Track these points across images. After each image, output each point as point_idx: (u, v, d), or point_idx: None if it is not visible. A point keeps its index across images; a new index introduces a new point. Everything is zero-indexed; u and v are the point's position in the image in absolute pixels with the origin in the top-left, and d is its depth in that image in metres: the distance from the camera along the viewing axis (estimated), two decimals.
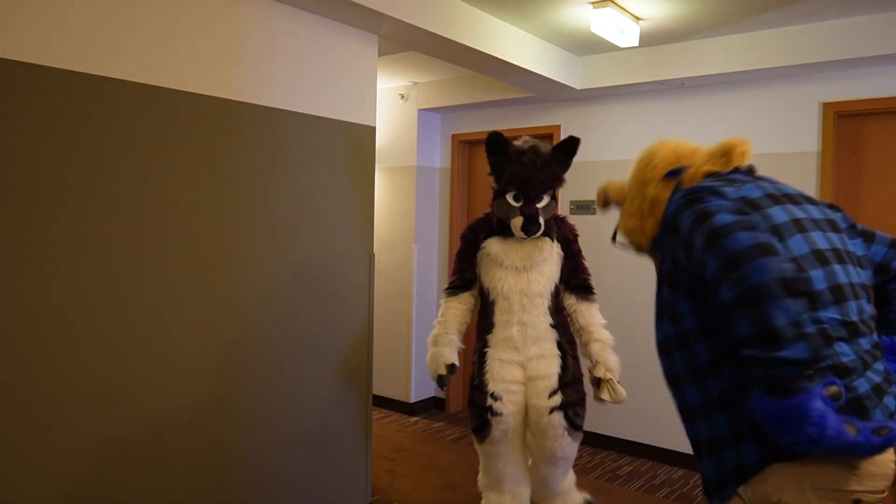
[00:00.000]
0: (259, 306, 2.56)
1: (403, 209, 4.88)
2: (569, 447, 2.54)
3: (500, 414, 2.50)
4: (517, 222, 2.54)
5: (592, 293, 2.69)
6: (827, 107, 3.46)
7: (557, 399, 2.49)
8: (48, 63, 1.93)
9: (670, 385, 1.40)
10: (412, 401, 4.86)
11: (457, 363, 2.63)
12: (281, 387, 2.65)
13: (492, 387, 2.53)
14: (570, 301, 2.65)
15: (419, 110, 4.81)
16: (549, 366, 2.53)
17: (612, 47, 3.75)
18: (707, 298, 1.25)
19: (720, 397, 1.27)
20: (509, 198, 2.57)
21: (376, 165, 3.35)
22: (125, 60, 2.11)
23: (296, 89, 2.67)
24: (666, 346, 1.39)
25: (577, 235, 2.74)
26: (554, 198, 2.64)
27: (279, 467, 2.65)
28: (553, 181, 2.58)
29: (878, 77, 3.33)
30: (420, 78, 4.69)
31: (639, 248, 1.59)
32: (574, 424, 2.51)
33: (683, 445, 3.88)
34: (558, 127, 4.36)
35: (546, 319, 2.58)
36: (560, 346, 2.59)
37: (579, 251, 2.72)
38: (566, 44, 3.79)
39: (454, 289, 2.71)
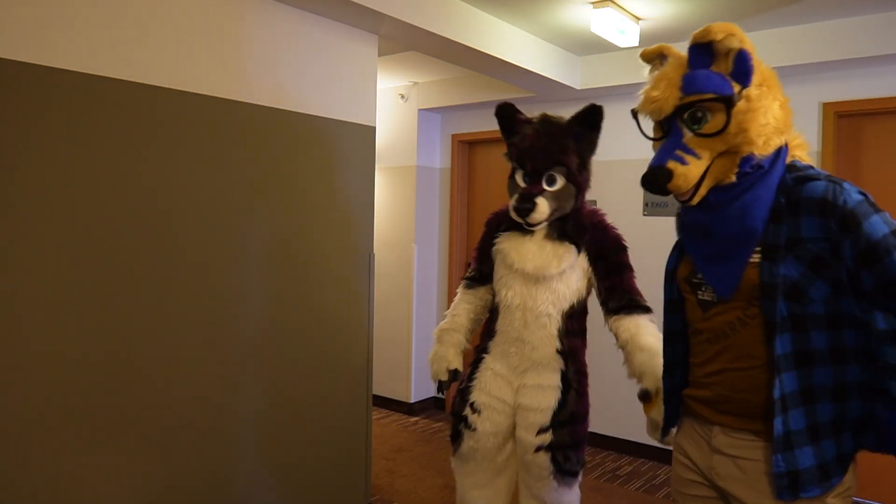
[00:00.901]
0: (258, 306, 2.55)
1: (403, 209, 4.88)
2: (555, 493, 2.14)
3: (474, 428, 2.17)
4: (512, 203, 2.12)
5: (643, 310, 2.10)
6: (827, 107, 3.46)
7: (546, 438, 2.09)
8: (48, 63, 1.93)
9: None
10: (412, 401, 4.86)
11: (460, 368, 2.33)
12: (280, 386, 2.65)
13: (474, 396, 2.21)
14: (612, 321, 2.11)
15: (419, 110, 4.81)
16: (545, 398, 2.12)
17: (612, 47, 3.75)
18: (847, 289, 1.24)
19: (836, 388, 1.27)
20: (518, 177, 2.16)
21: (376, 165, 3.35)
22: (125, 60, 2.11)
23: (296, 89, 2.67)
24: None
25: (623, 246, 2.18)
26: (574, 184, 2.12)
27: (279, 467, 2.65)
28: (561, 154, 2.10)
29: (878, 77, 3.33)
30: (420, 78, 4.69)
31: (689, 187, 1.31)
32: (563, 469, 2.11)
33: None
34: None
35: (552, 343, 2.13)
36: (564, 377, 2.13)
37: (624, 266, 2.15)
38: (566, 44, 3.79)
39: (471, 280, 2.36)
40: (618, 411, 4.15)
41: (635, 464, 3.98)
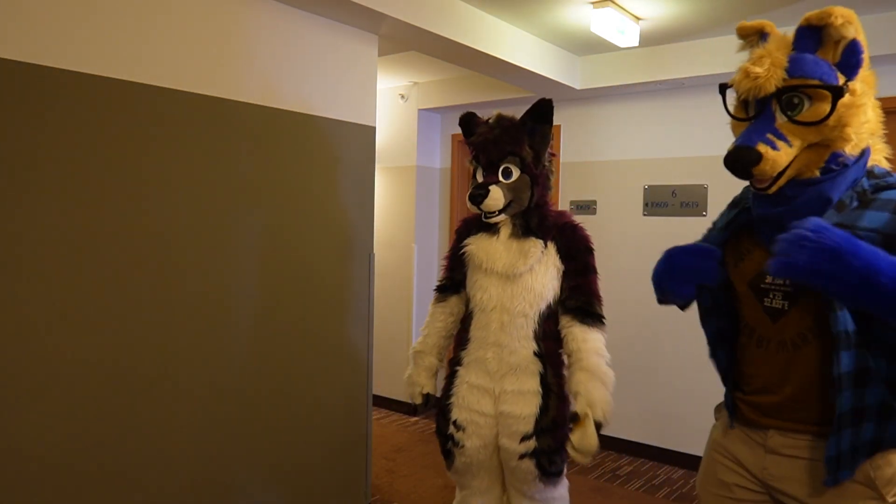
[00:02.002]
0: (258, 306, 2.55)
1: (403, 209, 4.88)
2: (543, 492, 2.17)
3: (462, 445, 2.16)
4: (468, 194, 2.15)
5: (596, 319, 2.11)
6: None
7: (530, 445, 2.08)
8: (48, 63, 1.93)
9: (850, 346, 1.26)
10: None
11: (433, 392, 2.34)
12: (280, 386, 2.65)
13: (455, 414, 2.18)
14: (565, 321, 2.13)
15: (419, 110, 4.81)
16: (526, 405, 2.10)
17: (612, 47, 3.75)
18: None
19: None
20: (478, 175, 2.20)
21: (376, 165, 3.35)
22: (125, 61, 2.11)
23: (296, 89, 2.67)
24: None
25: (590, 248, 2.18)
26: (530, 175, 2.15)
27: (279, 467, 2.65)
28: (514, 146, 2.13)
29: (878, 77, 3.32)
30: (420, 78, 4.69)
31: (775, 172, 1.24)
32: (548, 472, 2.12)
33: (684, 445, 3.88)
34: (558, 127, 4.35)
35: (529, 346, 2.11)
36: (543, 380, 2.11)
37: (590, 269, 2.16)
38: (566, 44, 3.79)
39: (441, 291, 2.40)
40: (617, 411, 4.15)
41: (635, 464, 3.98)
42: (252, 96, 2.50)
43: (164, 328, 2.24)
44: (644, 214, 4.05)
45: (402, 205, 4.89)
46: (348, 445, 2.95)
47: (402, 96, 4.87)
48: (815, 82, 1.20)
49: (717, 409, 1.57)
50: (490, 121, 2.24)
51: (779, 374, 1.33)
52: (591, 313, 2.12)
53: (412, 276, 4.82)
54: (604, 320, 2.13)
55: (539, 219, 2.18)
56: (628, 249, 4.08)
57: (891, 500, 1.25)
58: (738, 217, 1.45)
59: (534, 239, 2.13)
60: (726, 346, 1.46)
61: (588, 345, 2.06)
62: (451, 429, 2.19)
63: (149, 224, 2.19)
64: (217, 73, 2.38)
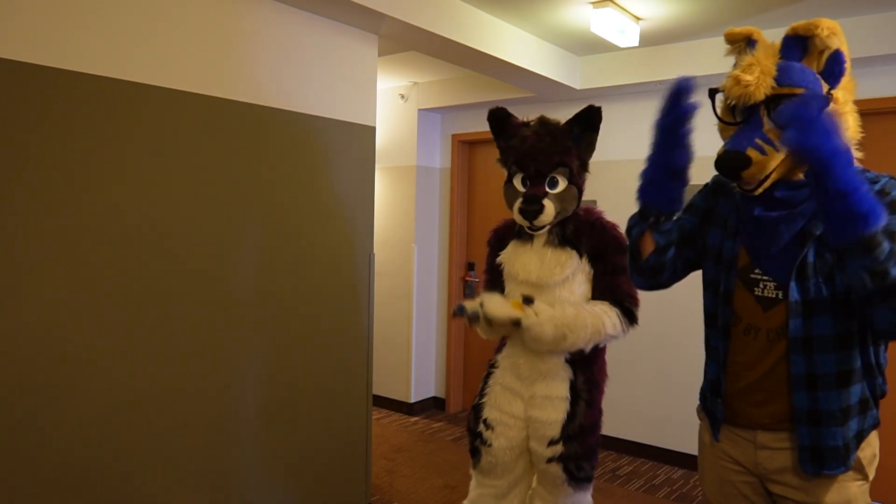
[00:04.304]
0: (259, 306, 2.55)
1: (403, 209, 4.88)
2: (571, 498, 2.17)
3: (490, 444, 2.18)
4: (516, 207, 2.08)
5: (629, 312, 2.10)
6: None
7: (557, 450, 2.11)
8: (48, 63, 1.93)
9: (802, 350, 1.35)
10: (412, 401, 4.86)
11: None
12: (280, 386, 2.65)
13: (486, 413, 2.21)
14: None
15: (419, 110, 4.81)
16: (554, 411, 2.11)
17: (612, 47, 3.75)
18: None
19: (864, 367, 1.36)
20: (516, 182, 2.12)
21: (376, 165, 3.35)
22: (125, 60, 2.11)
23: (296, 89, 2.67)
24: (819, 307, 1.34)
25: (622, 247, 2.07)
26: (576, 185, 2.10)
27: (279, 467, 2.65)
28: (564, 155, 2.07)
29: (878, 77, 3.33)
30: (420, 78, 4.69)
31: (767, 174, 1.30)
32: (576, 478, 2.13)
33: (683, 445, 3.89)
34: None
35: (560, 353, 2.11)
36: (573, 387, 2.12)
37: (620, 269, 2.09)
38: (566, 44, 3.79)
39: None
40: (618, 411, 4.16)
41: (635, 464, 3.98)
42: (252, 96, 2.50)
43: (164, 328, 2.24)
44: None
45: (402, 205, 4.89)
46: (348, 445, 2.96)
47: (402, 96, 4.87)
48: (802, 90, 1.26)
49: (699, 410, 1.65)
50: (532, 124, 2.17)
51: (762, 359, 1.41)
52: (623, 306, 2.09)
53: (412, 276, 4.82)
54: (635, 318, 2.11)
55: (575, 226, 2.13)
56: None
57: (871, 475, 1.41)
58: (719, 208, 1.54)
59: (570, 249, 2.10)
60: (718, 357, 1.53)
61: (600, 305, 2.06)
62: (482, 427, 2.21)
63: (149, 224, 2.19)
64: (217, 73, 2.38)
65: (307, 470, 2.77)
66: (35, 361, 1.93)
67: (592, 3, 3.08)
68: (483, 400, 2.25)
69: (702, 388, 1.61)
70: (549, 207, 2.04)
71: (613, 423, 4.20)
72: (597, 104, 2.25)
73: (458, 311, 2.08)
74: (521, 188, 2.11)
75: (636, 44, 3.38)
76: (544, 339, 1.99)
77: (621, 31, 3.20)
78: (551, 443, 2.11)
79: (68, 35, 1.97)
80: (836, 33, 1.27)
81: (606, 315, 2.05)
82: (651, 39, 3.62)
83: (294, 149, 2.67)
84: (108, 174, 2.09)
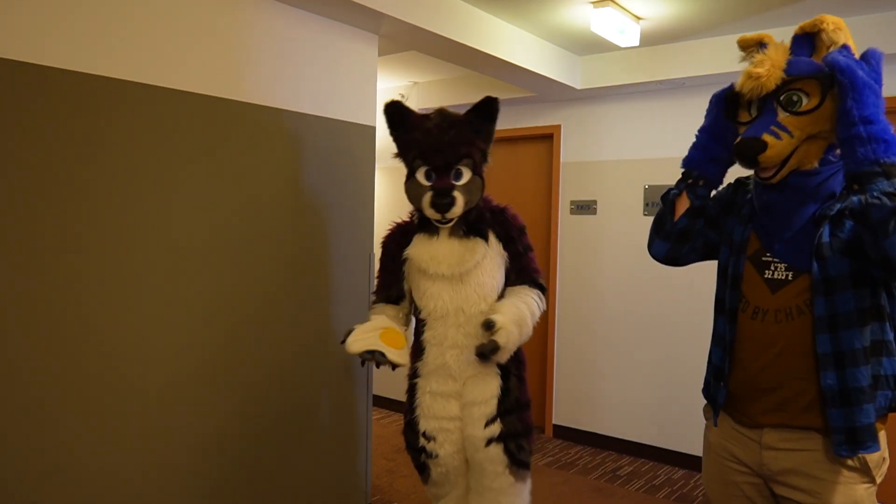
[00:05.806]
0: (258, 306, 2.55)
1: (403, 209, 4.87)
2: (511, 489, 2.09)
3: (436, 455, 2.11)
4: (427, 200, 2.04)
5: (537, 286, 2.17)
6: None
7: (496, 429, 2.05)
8: (48, 63, 1.93)
9: (828, 328, 1.38)
10: None
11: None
12: (280, 386, 2.64)
13: (423, 425, 2.13)
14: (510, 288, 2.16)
15: (419, 110, 4.81)
16: (487, 387, 2.08)
17: (612, 47, 3.75)
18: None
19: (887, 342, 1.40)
20: (420, 176, 2.09)
21: (376, 165, 3.35)
22: (125, 60, 2.11)
23: (296, 89, 2.67)
24: (841, 283, 1.38)
25: (522, 228, 2.19)
26: (479, 176, 2.11)
27: (279, 467, 2.65)
28: (468, 146, 2.07)
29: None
30: (420, 78, 4.69)
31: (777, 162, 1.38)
32: (517, 460, 2.07)
33: (684, 446, 3.88)
34: (558, 127, 4.36)
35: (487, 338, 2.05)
36: (502, 364, 2.10)
37: (527, 248, 2.18)
38: (566, 44, 3.79)
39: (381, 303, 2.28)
40: (618, 411, 4.15)
41: (635, 464, 3.98)
42: (252, 96, 2.50)
43: (163, 328, 2.24)
44: (644, 214, 4.05)
45: (402, 205, 4.87)
46: (348, 445, 2.95)
47: (402, 96, 4.87)
48: (812, 79, 1.35)
49: (705, 409, 1.65)
50: (433, 117, 2.15)
51: (770, 344, 1.44)
52: (532, 282, 2.17)
53: None
54: (545, 288, 2.21)
55: (476, 214, 2.15)
56: (628, 249, 4.07)
57: (879, 479, 1.42)
58: (738, 200, 1.59)
59: (475, 238, 2.11)
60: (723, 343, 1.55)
61: (522, 294, 2.11)
62: (422, 441, 2.14)
63: (148, 224, 2.19)
64: (217, 73, 2.38)
65: (307, 470, 2.77)
66: (35, 358, 1.93)
67: (593, 2, 3.08)
68: (415, 414, 2.16)
69: (706, 377, 1.63)
70: (460, 199, 2.04)
71: (613, 423, 4.20)
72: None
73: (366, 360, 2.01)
74: (425, 182, 2.09)
75: (636, 43, 3.38)
76: (513, 348, 2.03)
77: (621, 31, 3.20)
78: (489, 422, 2.06)
79: (68, 35, 1.97)
80: (841, 28, 1.35)
81: (532, 299, 2.12)
82: (651, 39, 3.62)
83: (294, 149, 2.67)
84: (108, 174, 2.08)
